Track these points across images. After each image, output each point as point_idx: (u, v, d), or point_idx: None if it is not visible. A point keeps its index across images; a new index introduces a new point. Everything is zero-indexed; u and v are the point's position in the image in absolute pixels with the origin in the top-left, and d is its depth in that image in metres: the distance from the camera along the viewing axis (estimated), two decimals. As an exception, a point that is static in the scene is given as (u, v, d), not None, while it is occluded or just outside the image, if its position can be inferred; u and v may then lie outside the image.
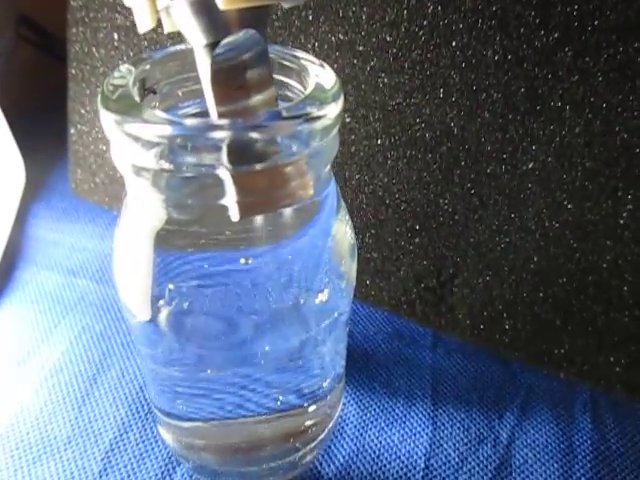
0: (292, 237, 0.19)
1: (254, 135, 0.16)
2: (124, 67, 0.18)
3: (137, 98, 0.17)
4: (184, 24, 0.16)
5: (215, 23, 0.16)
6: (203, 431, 0.24)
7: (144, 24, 0.17)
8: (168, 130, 0.16)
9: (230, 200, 0.16)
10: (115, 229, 0.20)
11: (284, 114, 0.17)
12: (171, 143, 0.16)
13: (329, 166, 0.19)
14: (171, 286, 0.19)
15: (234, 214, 0.17)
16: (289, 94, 0.20)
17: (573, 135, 0.26)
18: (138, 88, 0.18)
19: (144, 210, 0.19)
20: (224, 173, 0.16)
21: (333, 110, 0.17)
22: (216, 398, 0.22)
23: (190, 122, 0.16)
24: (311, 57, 0.19)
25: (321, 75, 0.18)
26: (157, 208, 0.18)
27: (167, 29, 0.17)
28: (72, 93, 0.39)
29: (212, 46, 0.16)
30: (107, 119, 0.16)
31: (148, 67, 0.19)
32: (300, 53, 0.20)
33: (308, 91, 0.18)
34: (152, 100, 0.19)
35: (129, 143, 0.16)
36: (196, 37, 0.16)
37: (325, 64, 0.19)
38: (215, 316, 0.19)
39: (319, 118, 0.17)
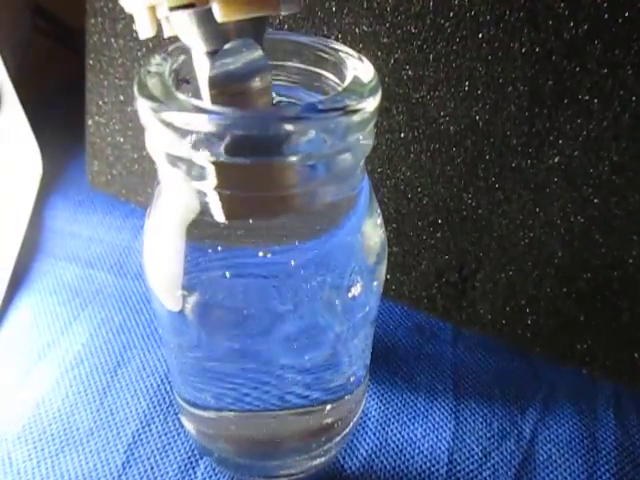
0: (328, 231, 0.19)
1: (289, 127, 0.16)
2: (160, 56, 0.18)
3: (173, 87, 0.17)
4: (184, 33, 0.17)
5: (214, 32, 0.16)
6: (228, 422, 0.24)
7: (145, 31, 0.17)
8: (205, 118, 0.15)
9: (214, 199, 0.17)
10: (145, 219, 0.20)
11: (320, 107, 0.16)
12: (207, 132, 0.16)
13: (363, 160, 0.19)
14: (203, 277, 0.19)
15: (218, 215, 0.17)
16: (324, 87, 0.20)
17: (601, 129, 0.26)
18: (173, 78, 0.18)
19: (177, 200, 0.18)
20: (209, 165, 0.16)
21: (371, 104, 0.17)
22: (246, 389, 0.22)
23: (228, 111, 0.16)
24: (349, 49, 0.19)
25: (359, 68, 0.18)
26: (190, 198, 0.18)
27: (167, 34, 0.18)
28: (89, 84, 0.38)
29: (212, 54, 0.17)
30: (143, 106, 0.16)
31: (182, 57, 0.19)
32: (338, 45, 0.19)
33: (345, 84, 0.18)
34: (186, 90, 0.19)
35: (164, 131, 0.16)
36: (196, 45, 0.17)
37: (364, 57, 0.19)
38: (248, 308, 0.19)
39: (357, 111, 0.16)
